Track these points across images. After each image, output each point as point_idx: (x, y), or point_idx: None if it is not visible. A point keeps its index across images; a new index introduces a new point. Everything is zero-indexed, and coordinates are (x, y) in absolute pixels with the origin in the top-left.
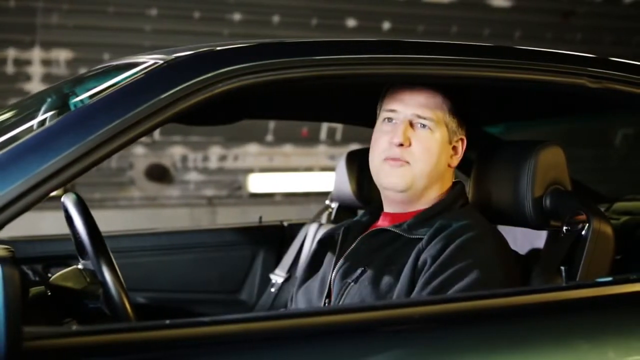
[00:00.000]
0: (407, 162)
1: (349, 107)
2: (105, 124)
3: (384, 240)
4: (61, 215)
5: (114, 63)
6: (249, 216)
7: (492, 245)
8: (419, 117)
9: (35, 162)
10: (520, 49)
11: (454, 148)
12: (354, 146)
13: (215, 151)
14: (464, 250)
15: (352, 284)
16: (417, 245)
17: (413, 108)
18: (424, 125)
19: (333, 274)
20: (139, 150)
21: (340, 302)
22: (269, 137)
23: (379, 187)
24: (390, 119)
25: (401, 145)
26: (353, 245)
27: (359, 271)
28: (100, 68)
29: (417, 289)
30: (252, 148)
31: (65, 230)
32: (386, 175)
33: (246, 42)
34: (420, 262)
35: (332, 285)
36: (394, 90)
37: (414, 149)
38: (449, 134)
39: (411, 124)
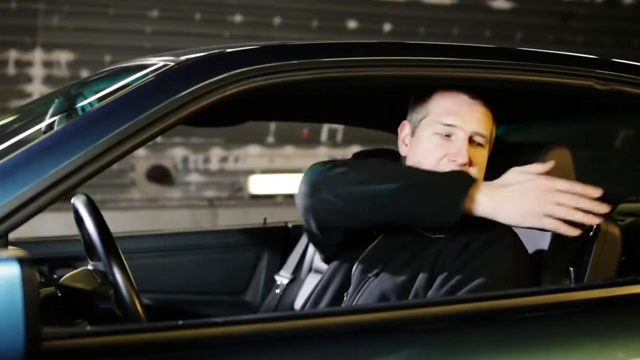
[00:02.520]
0: None
1: (354, 109)
2: (118, 126)
3: (407, 238)
4: (61, 216)
5: (123, 65)
6: (250, 217)
7: (511, 248)
8: (478, 134)
9: (50, 164)
10: (526, 50)
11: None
12: (355, 147)
13: (216, 152)
14: (483, 252)
15: (373, 278)
16: (438, 246)
17: (474, 124)
18: (478, 142)
19: (354, 268)
20: (140, 151)
21: (359, 296)
22: (270, 139)
23: None
24: (445, 132)
25: (465, 164)
26: (375, 242)
27: (380, 266)
28: (110, 70)
29: (434, 287)
30: (253, 149)
31: (67, 231)
32: None
33: (256, 44)
34: (439, 262)
35: (352, 278)
36: (446, 99)
37: (472, 168)
38: (490, 147)
39: (469, 140)
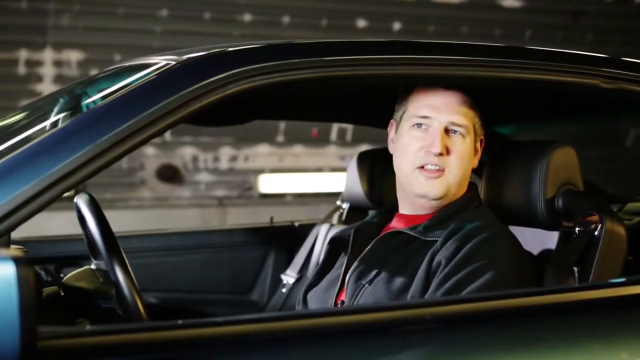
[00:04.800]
0: (443, 171)
1: (359, 108)
2: (119, 124)
3: (399, 243)
4: (70, 215)
5: (126, 64)
6: (260, 217)
7: (506, 246)
8: (454, 124)
9: (50, 163)
10: (532, 49)
11: (475, 149)
12: (365, 147)
13: (225, 152)
14: (478, 252)
15: (367, 285)
16: (432, 247)
17: (448, 115)
18: (455, 132)
19: (348, 276)
20: (149, 150)
21: (354, 304)
22: (280, 138)
23: (408, 193)
24: (420, 125)
25: (440, 154)
26: (368, 248)
27: (373, 273)
28: (113, 69)
29: (430, 290)
30: (263, 148)
31: (75, 230)
32: (421, 185)
33: (257, 43)
34: (434, 264)
35: (346, 287)
36: (422, 93)
37: (450, 157)
38: (475, 137)
39: (445, 131)
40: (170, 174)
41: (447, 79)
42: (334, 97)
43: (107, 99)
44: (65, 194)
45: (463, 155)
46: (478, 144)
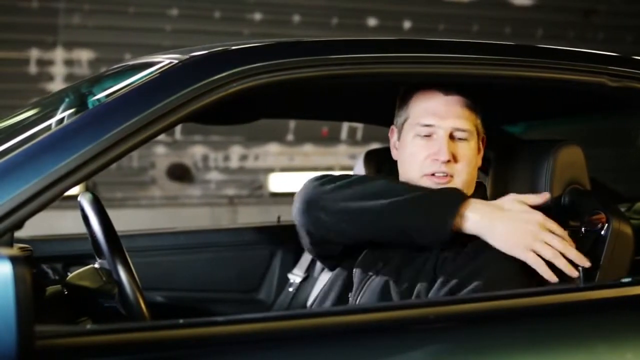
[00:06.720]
0: (452, 177)
1: (368, 107)
2: (120, 123)
3: None
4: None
5: (130, 63)
6: (270, 215)
7: None
8: (458, 129)
9: (51, 161)
10: (538, 47)
11: (478, 148)
12: (375, 145)
13: (236, 151)
14: (482, 249)
15: (374, 276)
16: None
17: (451, 121)
18: (460, 138)
19: (355, 269)
20: (160, 149)
21: (361, 295)
22: (290, 137)
23: None
24: (424, 133)
25: (447, 161)
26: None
27: (380, 264)
28: (117, 68)
29: (436, 286)
30: (273, 147)
31: (84, 229)
32: None
33: (260, 41)
34: (440, 260)
35: (353, 279)
36: (422, 99)
37: (457, 164)
38: (478, 137)
39: (450, 136)
40: (180, 173)
41: (451, 77)
42: (343, 96)
43: (110, 97)
44: (75, 192)
45: (470, 160)
46: (481, 143)
